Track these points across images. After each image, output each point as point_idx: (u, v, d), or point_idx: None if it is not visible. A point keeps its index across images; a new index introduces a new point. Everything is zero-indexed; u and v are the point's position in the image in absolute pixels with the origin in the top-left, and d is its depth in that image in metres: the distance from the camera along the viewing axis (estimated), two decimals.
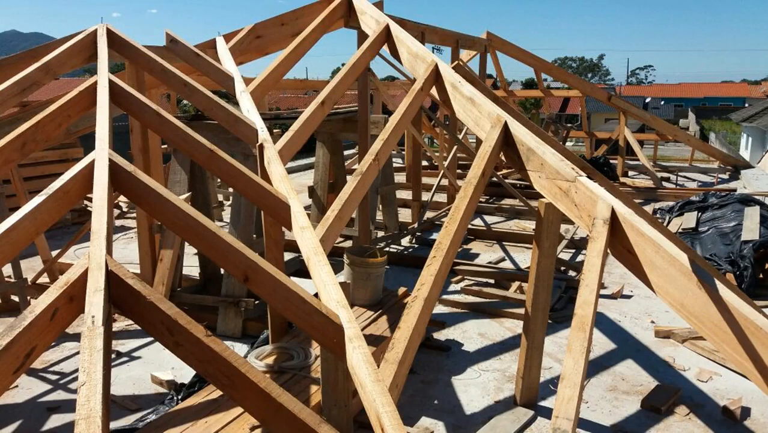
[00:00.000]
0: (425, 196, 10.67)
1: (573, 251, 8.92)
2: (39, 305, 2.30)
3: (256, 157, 4.61)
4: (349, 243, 8.54)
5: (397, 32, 5.85)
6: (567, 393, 2.57)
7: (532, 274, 4.40)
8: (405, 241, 9.55)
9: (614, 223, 3.26)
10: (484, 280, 7.59)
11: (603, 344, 5.87)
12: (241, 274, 3.03)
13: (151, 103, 4.40)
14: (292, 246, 7.16)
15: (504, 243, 9.56)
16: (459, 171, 12.99)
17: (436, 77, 5.12)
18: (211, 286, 6.69)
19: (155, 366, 5.34)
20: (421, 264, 3.57)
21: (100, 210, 2.89)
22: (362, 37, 7.18)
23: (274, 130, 6.19)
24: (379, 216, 9.65)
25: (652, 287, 3.09)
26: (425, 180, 12.47)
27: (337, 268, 4.26)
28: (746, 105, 37.56)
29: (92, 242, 2.65)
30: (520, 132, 4.04)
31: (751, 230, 7.86)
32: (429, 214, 10.34)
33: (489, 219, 11.30)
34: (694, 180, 16.11)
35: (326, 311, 2.85)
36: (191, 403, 3.94)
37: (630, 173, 16.62)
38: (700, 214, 9.07)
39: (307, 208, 6.97)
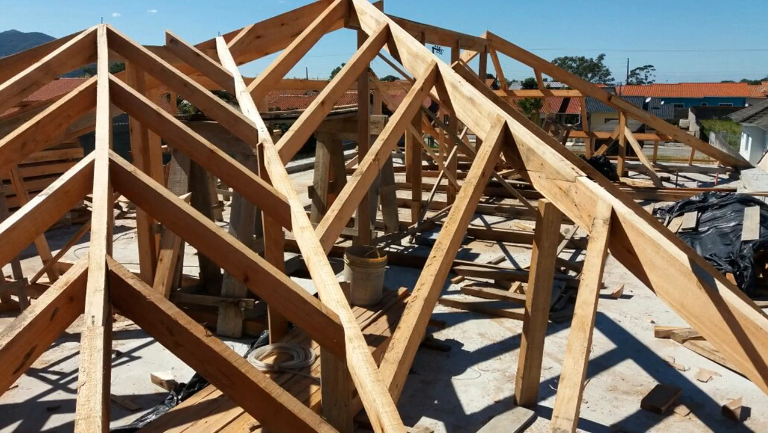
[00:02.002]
0: (425, 196, 10.67)
1: (573, 251, 8.92)
2: (39, 305, 2.30)
3: (256, 157, 4.61)
4: (349, 243, 8.54)
5: (397, 32, 5.85)
6: (567, 393, 2.57)
7: (532, 274, 4.40)
8: (405, 241, 9.55)
9: (614, 223, 3.26)
10: (484, 280, 7.59)
11: (603, 344, 5.87)
12: (241, 274, 3.03)
13: (151, 103, 4.40)
14: (292, 246, 7.16)
15: (504, 243, 9.56)
16: (459, 171, 12.99)
17: (436, 77, 5.12)
18: (211, 286, 6.69)
19: (155, 366, 5.34)
20: (421, 264, 3.57)
21: (100, 210, 2.89)
22: (362, 37, 7.18)
23: (274, 130, 6.20)
24: (379, 216, 9.65)
25: (652, 287, 3.09)
26: (425, 180, 12.48)
27: (337, 268, 4.27)
28: (746, 105, 37.58)
29: (92, 242, 2.65)
30: (520, 132, 4.05)
31: (751, 230, 7.86)
32: (429, 214, 10.34)
33: (489, 219, 11.30)
34: (694, 180, 16.11)
35: (326, 311, 2.85)
36: (191, 403, 3.94)
37: (630, 173, 16.62)
38: (700, 214, 9.07)
39: (307, 208, 6.98)
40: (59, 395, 4.92)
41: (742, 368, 2.73)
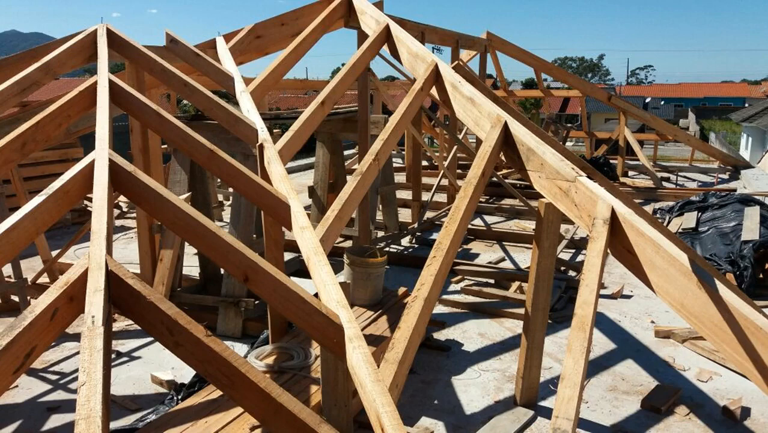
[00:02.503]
0: (425, 196, 10.67)
1: (573, 251, 8.92)
2: (39, 305, 2.30)
3: (256, 157, 4.61)
4: (349, 243, 8.54)
5: (397, 32, 5.85)
6: (567, 393, 2.57)
7: (532, 274, 4.40)
8: (405, 241, 9.55)
9: (614, 223, 3.26)
10: (484, 280, 7.59)
11: (603, 344, 5.87)
12: (241, 274, 3.03)
13: (151, 103, 4.40)
14: (292, 246, 7.16)
15: (504, 243, 9.56)
16: (459, 171, 12.99)
17: (436, 77, 5.12)
18: (211, 286, 6.69)
19: (155, 366, 5.34)
20: (421, 264, 3.57)
21: (100, 210, 2.89)
22: (362, 37, 7.18)
23: (274, 130, 6.20)
24: (379, 216, 9.65)
25: (652, 287, 3.09)
26: (425, 180, 12.48)
27: (337, 268, 4.27)
28: (746, 105, 37.57)
29: (92, 242, 2.65)
30: (520, 132, 4.05)
31: (751, 230, 7.86)
32: (429, 214, 10.34)
33: (489, 219, 11.30)
34: (694, 180, 16.11)
35: (326, 311, 2.85)
36: (191, 403, 3.94)
37: (630, 173, 16.62)
38: (700, 214, 9.07)
39: (307, 208, 6.98)
40: (59, 395, 4.92)
41: (742, 368, 2.73)
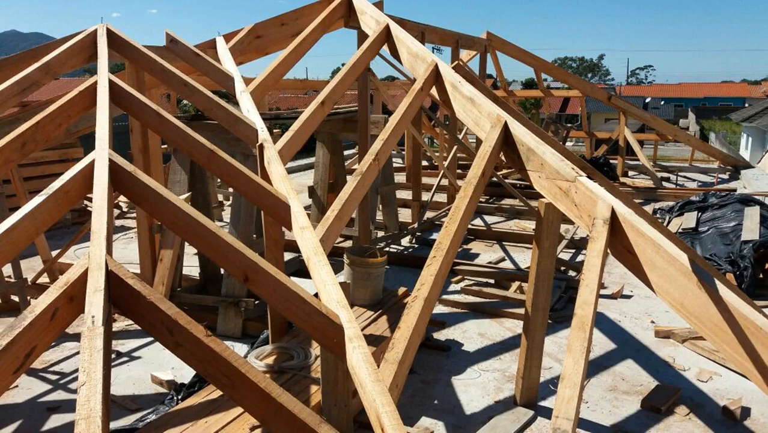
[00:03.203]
0: (425, 196, 10.67)
1: (573, 251, 8.92)
2: (39, 305, 2.30)
3: (256, 157, 4.61)
4: (349, 243, 8.54)
5: (397, 32, 5.85)
6: (567, 393, 2.57)
7: (532, 274, 4.40)
8: (405, 241, 9.55)
9: (614, 223, 3.26)
10: (484, 280, 7.59)
11: (603, 344, 5.87)
12: (241, 274, 3.03)
13: (151, 103, 4.40)
14: (292, 246, 7.16)
15: (504, 243, 9.56)
16: (459, 171, 12.99)
17: (436, 77, 5.12)
18: (211, 286, 6.69)
19: (155, 366, 5.34)
20: (421, 264, 3.57)
21: (100, 210, 2.89)
22: (362, 37, 7.18)
23: (274, 130, 6.20)
24: (379, 216, 9.65)
25: (652, 287, 3.10)
26: (425, 180, 12.48)
27: (337, 268, 4.27)
28: (746, 105, 37.57)
29: (92, 242, 2.65)
30: (520, 132, 4.05)
31: (751, 230, 7.86)
32: (429, 214, 10.34)
33: (489, 219, 11.30)
34: (694, 180, 16.10)
35: (326, 311, 2.85)
36: (191, 403, 3.94)
37: (630, 173, 16.62)
38: (700, 214, 9.07)
39: (307, 208, 6.98)
40: (59, 395, 4.92)
41: (742, 368, 2.73)
